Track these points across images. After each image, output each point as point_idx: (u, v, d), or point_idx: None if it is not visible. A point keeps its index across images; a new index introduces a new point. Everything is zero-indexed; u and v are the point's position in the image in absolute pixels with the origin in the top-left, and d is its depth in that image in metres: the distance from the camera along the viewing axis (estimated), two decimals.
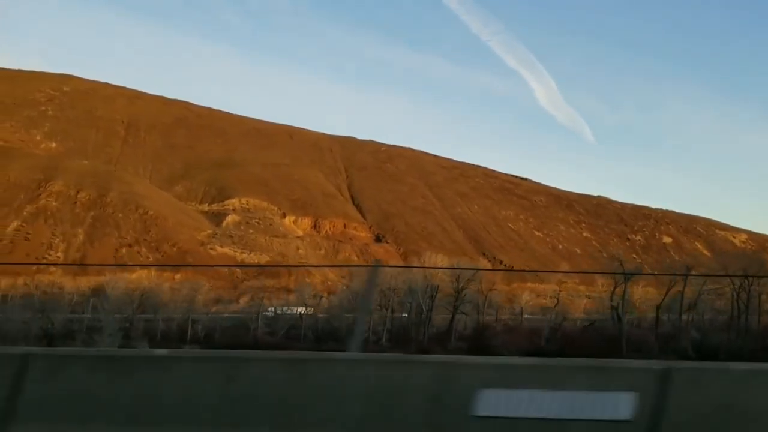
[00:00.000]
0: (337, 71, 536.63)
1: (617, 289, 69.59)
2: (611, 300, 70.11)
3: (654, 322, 70.03)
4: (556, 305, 78.87)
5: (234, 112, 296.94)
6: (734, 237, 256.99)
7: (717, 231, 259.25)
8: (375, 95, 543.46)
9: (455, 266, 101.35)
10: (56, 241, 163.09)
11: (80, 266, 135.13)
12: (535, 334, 67.67)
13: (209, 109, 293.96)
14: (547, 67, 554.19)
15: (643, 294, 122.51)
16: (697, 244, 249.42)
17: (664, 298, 63.15)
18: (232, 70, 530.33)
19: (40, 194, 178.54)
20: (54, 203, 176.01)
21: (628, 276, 64.50)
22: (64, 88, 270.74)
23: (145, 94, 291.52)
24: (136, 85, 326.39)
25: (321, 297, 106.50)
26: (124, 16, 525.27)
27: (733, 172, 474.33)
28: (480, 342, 68.30)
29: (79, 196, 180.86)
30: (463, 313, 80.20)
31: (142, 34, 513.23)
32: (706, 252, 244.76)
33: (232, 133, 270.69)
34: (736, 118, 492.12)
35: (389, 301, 79.32)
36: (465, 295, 75.76)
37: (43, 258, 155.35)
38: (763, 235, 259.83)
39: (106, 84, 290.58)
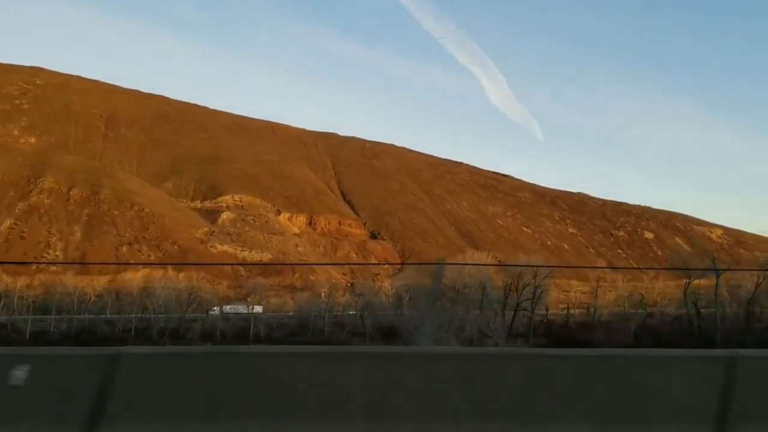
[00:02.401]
0: (296, 66, 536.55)
1: (692, 284, 70.78)
2: (684, 295, 71.26)
3: (724, 316, 71.20)
4: (641, 300, 79.77)
5: (212, 107, 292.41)
6: (711, 232, 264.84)
7: (694, 226, 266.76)
8: (334, 90, 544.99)
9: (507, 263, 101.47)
10: (53, 240, 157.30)
11: (108, 265, 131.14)
12: (617, 330, 67.95)
13: (187, 103, 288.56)
14: (498, 65, 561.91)
15: (664, 288, 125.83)
16: (677, 239, 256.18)
17: (754, 293, 64.44)
18: (191, 63, 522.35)
19: (30, 191, 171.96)
20: (46, 200, 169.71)
21: (719, 272, 65.65)
22: (37, 81, 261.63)
23: (121, 88, 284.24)
24: (102, 77, 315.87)
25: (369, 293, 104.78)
26: (86, 8, 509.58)
27: (695, 170, 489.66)
28: (561, 338, 68.56)
29: (71, 193, 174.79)
30: (525, 309, 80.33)
31: (105, 27, 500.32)
32: (686, 247, 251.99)
33: (215, 129, 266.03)
34: (691, 118, 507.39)
35: (456, 299, 78.88)
36: (542, 292, 76.07)
37: (42, 257, 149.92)
38: (737, 230, 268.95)
39: (79, 77, 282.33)
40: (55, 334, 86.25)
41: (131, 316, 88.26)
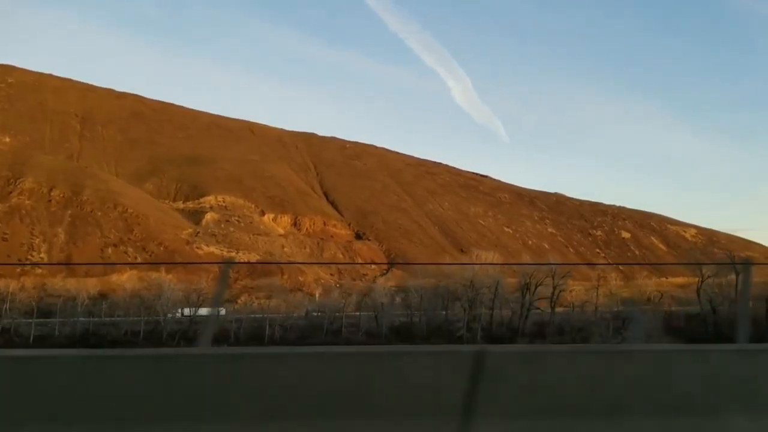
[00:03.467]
0: (266, 66, 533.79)
1: (707, 281, 72.14)
2: (698, 293, 72.64)
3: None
4: (660, 298, 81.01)
5: (188, 106, 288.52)
6: (685, 231, 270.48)
7: (669, 226, 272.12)
8: (306, 90, 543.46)
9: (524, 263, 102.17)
10: (37, 242, 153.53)
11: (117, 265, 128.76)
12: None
13: (163, 102, 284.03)
14: (463, 66, 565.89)
15: (656, 285, 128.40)
16: (653, 238, 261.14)
17: None
18: (160, 63, 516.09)
19: (10, 192, 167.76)
20: (27, 201, 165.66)
21: (738, 268, 66.86)
22: (9, 80, 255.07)
23: (95, 86, 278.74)
24: (74, 75, 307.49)
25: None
26: (50, 6, 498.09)
27: (663, 170, 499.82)
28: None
29: (52, 194, 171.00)
30: (538, 309, 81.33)
31: (72, 25, 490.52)
32: (662, 246, 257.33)
33: (193, 128, 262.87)
34: (650, 118, 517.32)
35: (474, 298, 79.43)
36: (561, 291, 76.91)
37: (27, 259, 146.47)
38: (710, 230, 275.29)
39: (52, 75, 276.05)
40: (61, 338, 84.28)
41: (138, 318, 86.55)
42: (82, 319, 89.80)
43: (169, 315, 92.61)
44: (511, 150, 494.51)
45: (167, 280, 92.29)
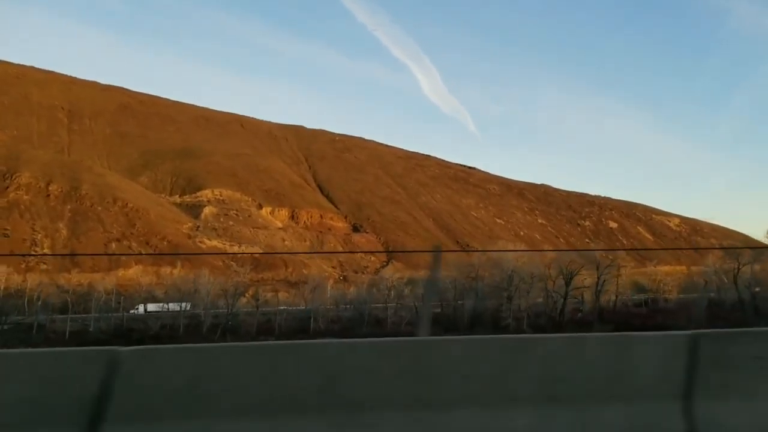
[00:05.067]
0: (234, 58, 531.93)
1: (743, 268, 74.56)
2: (735, 280, 74.90)
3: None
4: (705, 284, 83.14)
5: (175, 99, 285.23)
6: (669, 221, 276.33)
7: (654, 216, 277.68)
8: (278, 82, 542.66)
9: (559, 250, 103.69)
10: (39, 237, 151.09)
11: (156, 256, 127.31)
12: (680, 315, 71.11)
13: (150, 95, 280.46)
14: (431, 59, 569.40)
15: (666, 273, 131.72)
16: (639, 228, 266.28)
17: None
18: (138, 57, 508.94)
19: (8, 187, 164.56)
20: (26, 197, 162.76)
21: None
22: None
23: (79, 79, 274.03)
24: (55, 67, 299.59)
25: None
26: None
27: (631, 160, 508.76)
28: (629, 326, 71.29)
29: (50, 188, 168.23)
30: (575, 297, 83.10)
31: (45, 19, 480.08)
32: (648, 236, 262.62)
33: (182, 122, 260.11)
34: (612, 112, 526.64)
35: (515, 287, 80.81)
36: (605, 281, 78.86)
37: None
38: (693, 219, 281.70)
39: (34, 68, 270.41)
40: (96, 333, 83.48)
41: (176, 311, 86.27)
42: (116, 314, 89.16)
43: (132, 311, 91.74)
44: (481, 142, 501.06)
45: (204, 273, 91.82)
